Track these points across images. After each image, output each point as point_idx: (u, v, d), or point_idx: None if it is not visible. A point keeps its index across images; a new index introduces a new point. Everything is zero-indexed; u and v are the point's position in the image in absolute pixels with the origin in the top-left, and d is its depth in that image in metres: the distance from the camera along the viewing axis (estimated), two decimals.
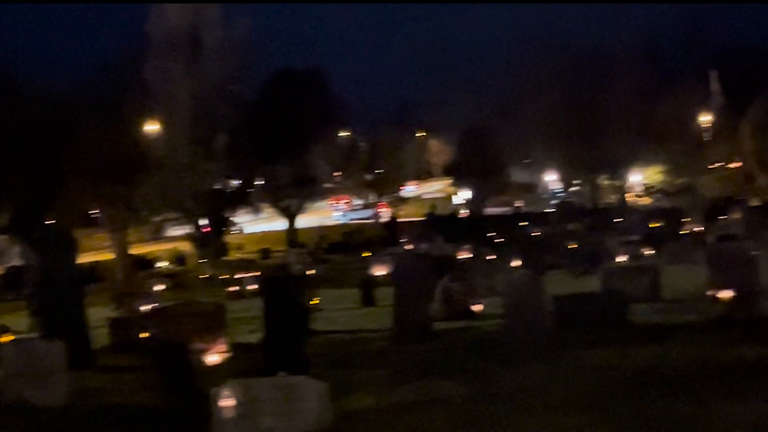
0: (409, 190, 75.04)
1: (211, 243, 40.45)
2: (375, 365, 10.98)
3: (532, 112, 53.92)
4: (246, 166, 44.26)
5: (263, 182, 48.96)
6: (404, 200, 67.78)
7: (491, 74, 63.14)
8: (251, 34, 41.82)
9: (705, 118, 51.69)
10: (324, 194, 61.69)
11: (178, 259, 42.98)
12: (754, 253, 13.49)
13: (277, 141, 43.47)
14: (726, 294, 12.18)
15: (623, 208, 52.33)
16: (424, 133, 78.52)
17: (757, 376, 8.61)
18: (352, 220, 64.54)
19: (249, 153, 42.39)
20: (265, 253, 44.05)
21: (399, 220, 53.75)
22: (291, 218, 50.53)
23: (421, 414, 8.17)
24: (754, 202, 48.51)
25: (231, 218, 44.69)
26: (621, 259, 24.59)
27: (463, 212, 59.09)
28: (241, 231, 54.68)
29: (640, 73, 49.82)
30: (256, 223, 57.19)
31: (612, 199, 57.82)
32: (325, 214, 64.81)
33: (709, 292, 12.60)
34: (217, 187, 41.94)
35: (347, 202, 70.10)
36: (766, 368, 8.97)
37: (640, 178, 61.34)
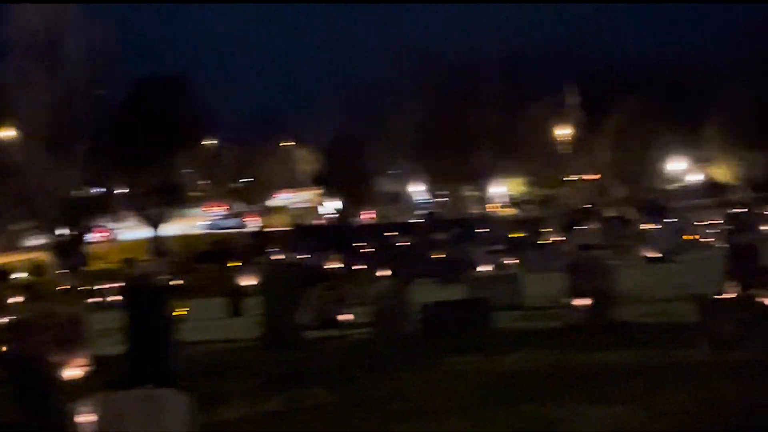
0: (286, 197, 74.67)
1: (72, 252, 39.03)
2: (244, 375, 10.82)
3: (399, 122, 54.60)
4: (108, 172, 42.98)
5: (126, 189, 47.68)
6: (272, 209, 67.31)
7: (359, 83, 63.64)
8: (114, 38, 40.75)
9: (564, 132, 53.75)
10: (192, 202, 60.55)
11: (35, 269, 41.20)
12: (610, 262, 14.08)
13: (140, 147, 42.41)
14: (584, 301, 12.66)
15: (487, 218, 53.69)
16: (293, 142, 78.25)
17: (615, 379, 8.98)
18: (220, 229, 63.53)
19: (111, 159, 41.19)
20: (130, 262, 42.78)
21: (267, 229, 53.34)
22: (155, 227, 49.34)
23: (291, 423, 8.12)
24: (611, 213, 50.71)
25: (104, 225, 43.37)
26: (485, 268, 25.21)
27: (329, 221, 59.20)
28: (115, 238, 53.17)
29: (503, 87, 51.33)
30: (132, 230, 55.55)
31: (477, 209, 59.21)
32: (193, 222, 63.54)
33: (569, 300, 13.06)
34: (78, 194, 40.52)
35: (227, 209, 69.00)
36: (622, 371, 9.34)
37: (503, 189, 63.02)
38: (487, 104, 51.19)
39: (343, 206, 59.83)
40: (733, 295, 12.58)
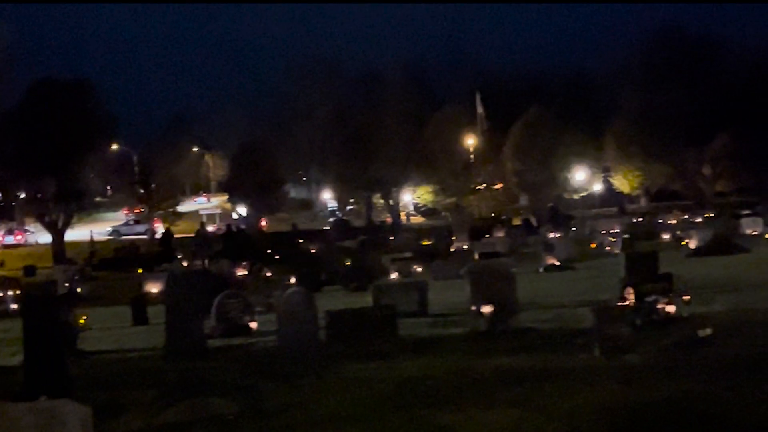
0: (194, 203, 73.67)
1: None
2: (145, 385, 10.66)
3: (306, 129, 54.62)
4: (7, 177, 41.70)
5: (26, 195, 46.35)
6: (180, 215, 66.36)
7: (267, 91, 63.43)
8: (12, 40, 39.61)
9: (469, 140, 54.64)
10: (98, 207, 59.25)
11: None
12: (512, 269, 14.40)
13: (40, 152, 41.27)
14: (487, 308, 12.92)
15: (396, 226, 54.13)
16: (201, 148, 77.38)
17: (512, 384, 9.20)
18: (127, 235, 62.28)
19: (10, 164, 39.96)
20: (29, 269, 41.54)
21: (175, 235, 52.50)
22: (57, 233, 48.05)
23: None
24: (516, 221, 51.76)
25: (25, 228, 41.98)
26: (393, 275, 25.45)
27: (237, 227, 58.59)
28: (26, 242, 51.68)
29: (409, 95, 51.84)
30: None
31: (385, 217, 59.61)
32: (100, 228, 62.12)
33: (472, 307, 13.30)
34: None
35: (135, 214, 67.65)
36: (520, 376, 9.57)
37: (411, 197, 63.66)
38: (392, 112, 51.59)
39: (250, 213, 59.36)
40: (630, 302, 12.98)
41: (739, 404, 7.35)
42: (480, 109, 55.02)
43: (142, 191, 64.78)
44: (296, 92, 57.64)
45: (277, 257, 36.22)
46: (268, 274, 29.15)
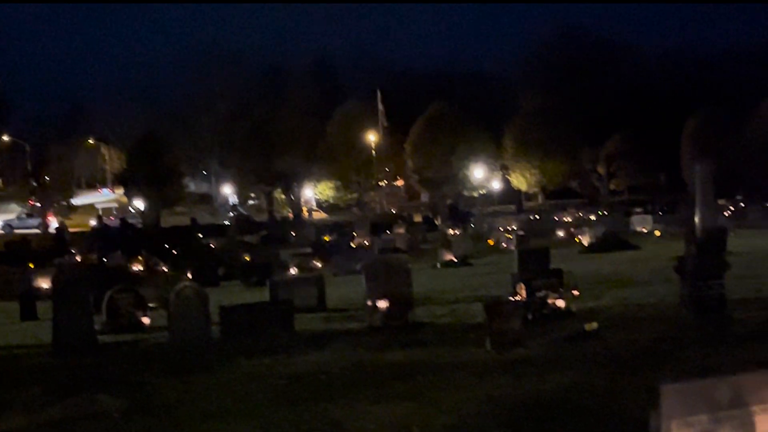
0: (91, 196, 71.70)
1: None
2: (30, 382, 10.32)
3: (207, 123, 53.84)
4: None
5: None
6: (75, 209, 64.53)
7: (166, 83, 62.27)
8: None
9: (371, 137, 54.82)
10: None
11: None
12: (408, 264, 14.53)
13: None
14: (382, 303, 13.00)
15: (297, 221, 53.88)
16: (97, 140, 75.37)
17: (404, 378, 9.28)
18: (18, 229, 60.16)
19: None
20: None
21: (68, 229, 50.99)
22: None
23: (73, 431, 7.86)
24: (417, 218, 52.24)
25: None
26: (292, 270, 25.35)
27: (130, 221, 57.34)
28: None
29: (312, 91, 51.69)
30: None
31: (286, 212, 59.29)
32: None
33: (368, 302, 13.36)
34: None
35: (28, 207, 65.34)
36: (412, 370, 9.66)
37: (313, 193, 63.54)
38: (294, 107, 51.38)
39: (147, 206, 58.15)
40: (521, 297, 13.25)
41: (617, 396, 7.60)
42: (381, 107, 55.25)
43: (35, 184, 62.72)
44: (196, 85, 56.72)
45: (174, 252, 35.60)
46: (165, 268, 28.63)
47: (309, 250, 32.96)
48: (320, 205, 62.83)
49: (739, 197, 48.86)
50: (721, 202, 44.36)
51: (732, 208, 43.86)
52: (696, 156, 44.06)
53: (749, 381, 4.55)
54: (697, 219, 12.09)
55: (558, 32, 64.15)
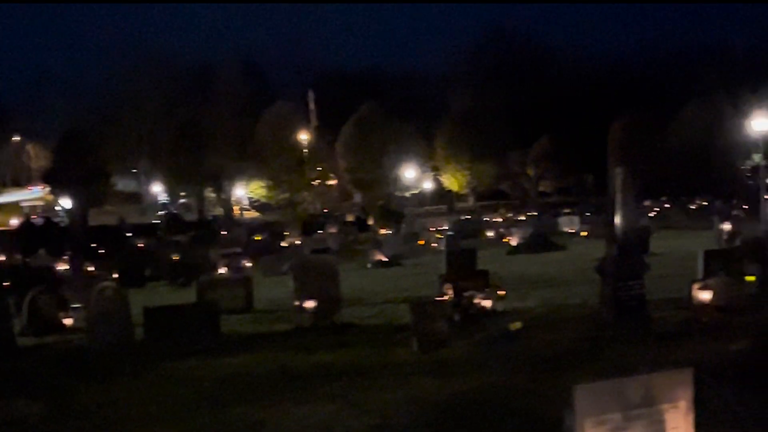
0: (15, 194, 69.88)
1: None
2: None
3: (136, 121, 52.97)
4: None
5: None
6: None
7: (91, 80, 61.06)
8: None
9: (303, 136, 54.63)
10: None
11: None
12: (336, 265, 14.52)
13: None
14: (310, 304, 12.98)
15: (228, 220, 53.38)
16: (22, 138, 73.53)
17: (330, 379, 9.29)
18: None
19: None
20: None
21: None
22: None
23: None
24: (349, 218, 52.23)
25: None
26: (221, 271, 25.06)
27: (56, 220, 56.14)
28: None
29: (243, 90, 51.29)
30: None
31: (217, 211, 58.70)
32: None
33: (296, 302, 13.32)
34: None
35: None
36: (339, 371, 9.67)
37: (244, 192, 63.02)
38: (225, 106, 50.91)
39: (74, 205, 56.91)
40: (448, 297, 13.35)
41: (538, 395, 7.72)
42: (312, 106, 55.12)
43: None
44: (124, 83, 55.72)
45: (101, 251, 34.90)
46: (91, 268, 28.05)
47: (239, 250, 32.64)
48: (252, 204, 62.38)
49: (663, 199, 50.04)
50: (646, 203, 45.40)
51: (656, 210, 44.89)
52: (620, 158, 45.05)
53: (659, 380, 4.68)
54: (618, 220, 12.37)
55: (487, 35, 64.97)
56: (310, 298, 13.14)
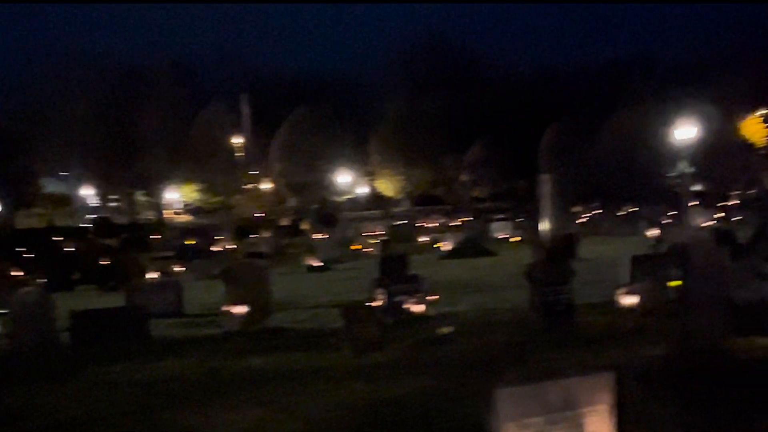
0: None
1: None
2: None
3: (65, 122, 51.78)
4: None
5: None
6: None
7: (18, 80, 59.41)
8: None
9: (237, 140, 54.22)
10: None
11: None
12: (268, 269, 14.48)
13: None
14: (241, 308, 12.91)
15: (160, 224, 52.65)
16: None
17: (261, 384, 9.26)
18: None
19: None
20: None
21: None
22: None
23: None
24: (284, 222, 51.99)
25: None
26: (152, 275, 24.75)
27: None
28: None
29: (176, 92, 50.56)
30: None
31: (149, 215, 57.87)
32: None
33: (227, 307, 13.24)
34: None
35: None
36: (270, 376, 9.65)
37: (177, 196, 62.22)
38: (158, 108, 50.15)
39: (0, 208, 55.50)
40: (381, 302, 13.42)
41: (466, 400, 7.81)
42: (246, 109, 54.69)
43: None
44: (53, 84, 54.42)
45: (29, 255, 34.11)
46: (17, 272, 27.40)
47: (171, 253, 32.28)
48: (186, 207, 61.64)
49: (595, 205, 50.94)
50: (576, 209, 46.18)
51: (587, 216, 45.69)
52: (551, 165, 45.76)
53: (581, 384, 4.80)
54: (546, 226, 12.61)
55: (420, 40, 65.44)
56: (241, 302, 13.08)
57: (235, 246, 36.13)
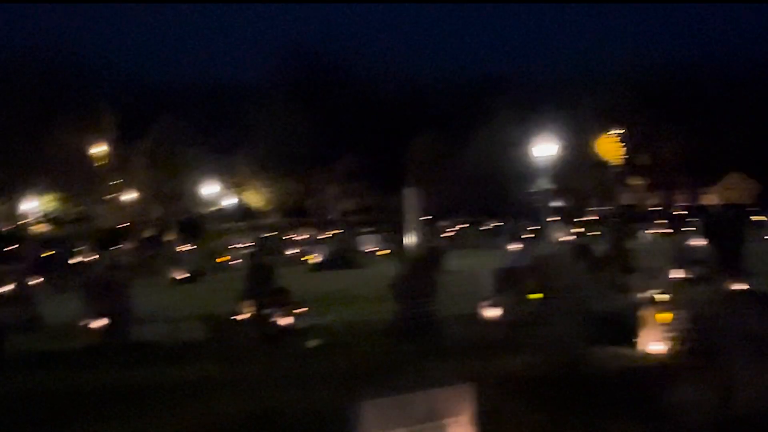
0: None
1: None
2: None
3: None
4: None
5: None
6: None
7: None
8: None
9: (99, 149, 52.55)
10: None
11: None
12: (131, 281, 14.12)
13: None
14: (100, 321, 12.53)
15: (16, 234, 50.42)
16: None
17: (122, 398, 9.04)
18: None
19: None
20: None
21: None
22: None
23: None
24: (148, 233, 50.77)
25: None
26: (7, 287, 23.66)
27: None
28: None
29: (31, 98, 48.46)
30: None
31: (5, 225, 55.32)
32: None
33: (86, 320, 12.82)
34: None
35: None
36: (132, 390, 9.44)
37: (35, 205, 59.67)
38: (12, 115, 47.98)
39: None
40: (248, 314, 13.30)
41: (333, 412, 7.82)
42: (109, 118, 53.04)
43: None
44: None
45: None
46: None
47: (26, 266, 30.95)
48: (45, 217, 59.24)
49: (461, 219, 52.07)
50: (443, 223, 47.10)
51: (453, 230, 46.62)
52: (418, 179, 46.57)
53: (443, 395, 4.91)
54: (413, 239, 12.82)
55: (288, 52, 65.51)
56: (101, 315, 12.69)
57: (96, 257, 35.03)
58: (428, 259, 15.14)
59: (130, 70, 60.74)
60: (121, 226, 50.90)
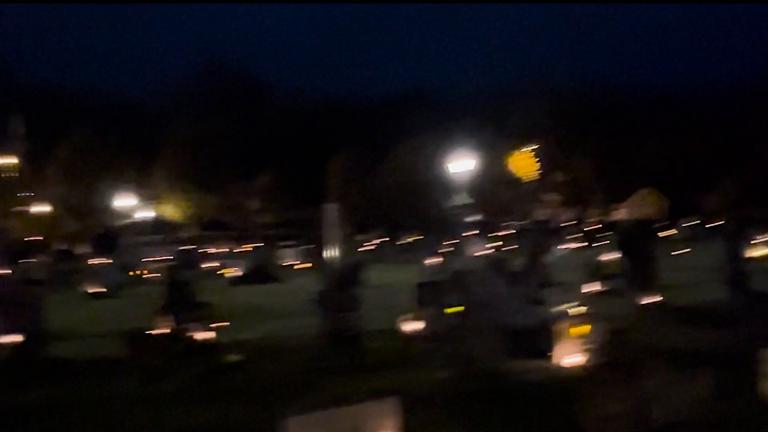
0: None
1: None
2: None
3: None
4: None
5: None
6: None
7: None
8: None
9: (8, 161, 51.12)
10: None
11: None
12: (44, 296, 13.77)
13: None
14: (14, 337, 12.17)
15: None
16: None
17: (39, 417, 8.84)
18: None
19: None
20: None
21: None
22: None
23: None
24: (60, 246, 49.50)
25: None
26: None
27: None
28: None
29: None
30: None
31: None
32: None
33: None
34: None
35: None
36: (49, 409, 9.24)
37: None
38: None
39: None
40: (167, 330, 13.09)
41: (256, 428, 7.82)
42: (19, 129, 51.59)
43: None
44: None
45: None
46: None
47: None
48: None
49: (379, 234, 52.28)
50: (362, 238, 47.25)
51: (372, 244, 46.82)
52: (337, 194, 46.65)
53: (368, 409, 4.97)
54: (329, 254, 12.93)
55: (204, 66, 65.02)
56: (13, 331, 12.32)
57: (7, 272, 33.97)
58: (351, 274, 15.17)
59: (42, 80, 59.12)
60: (33, 239, 49.54)
